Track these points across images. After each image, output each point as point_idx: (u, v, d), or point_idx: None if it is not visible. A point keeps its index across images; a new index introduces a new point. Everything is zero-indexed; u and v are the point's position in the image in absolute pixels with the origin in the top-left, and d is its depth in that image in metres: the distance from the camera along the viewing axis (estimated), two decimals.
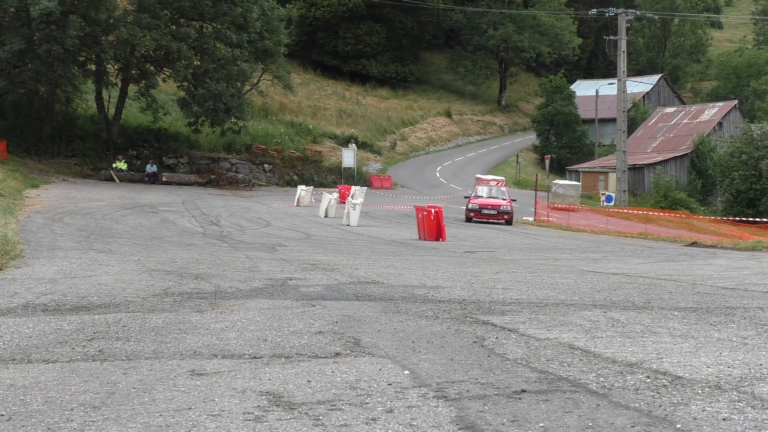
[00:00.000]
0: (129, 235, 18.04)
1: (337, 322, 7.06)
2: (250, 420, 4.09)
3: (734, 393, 4.64)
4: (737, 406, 4.35)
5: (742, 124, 52.15)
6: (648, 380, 4.95)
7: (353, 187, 35.45)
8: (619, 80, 44.95)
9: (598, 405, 4.38)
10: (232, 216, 26.27)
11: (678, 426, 4.01)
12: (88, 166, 39.42)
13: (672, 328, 6.92)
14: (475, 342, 6.19)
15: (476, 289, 9.71)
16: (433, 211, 21.87)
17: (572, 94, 69.00)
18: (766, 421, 4.08)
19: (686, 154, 56.50)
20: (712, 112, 61.43)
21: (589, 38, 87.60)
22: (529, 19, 77.50)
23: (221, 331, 6.52)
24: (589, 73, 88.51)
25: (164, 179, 40.09)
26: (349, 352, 5.80)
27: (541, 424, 4.02)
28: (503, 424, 4.03)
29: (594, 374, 5.10)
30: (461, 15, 78.09)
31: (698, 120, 60.81)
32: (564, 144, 66.41)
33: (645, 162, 55.99)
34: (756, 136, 41.83)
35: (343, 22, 71.27)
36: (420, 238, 21.89)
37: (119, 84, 40.99)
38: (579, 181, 52.48)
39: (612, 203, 43.49)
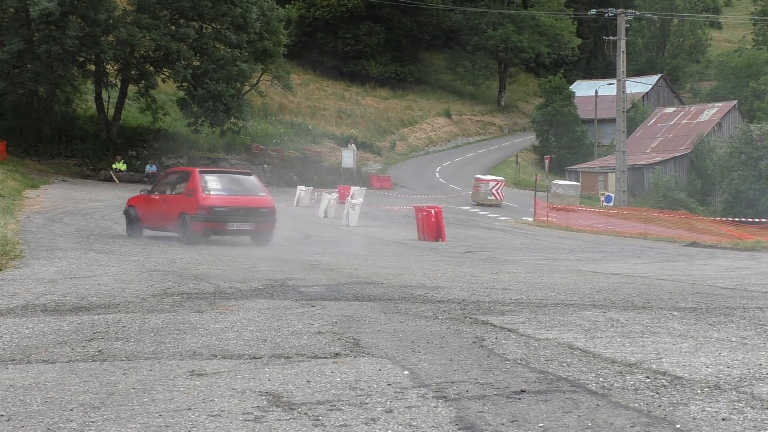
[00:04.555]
0: (128, 235, 18.03)
1: (336, 322, 7.06)
2: (249, 420, 4.09)
3: (733, 393, 4.64)
4: (736, 407, 4.36)
5: (741, 124, 52.18)
6: (647, 380, 4.95)
7: (353, 188, 35.44)
8: (618, 80, 44.97)
9: (598, 405, 4.38)
10: None
11: (677, 426, 4.01)
12: (88, 167, 39.42)
13: (671, 329, 6.92)
14: (474, 342, 6.19)
15: (476, 289, 9.71)
16: (432, 211, 21.89)
17: (572, 95, 68.95)
18: (765, 421, 4.09)
19: (685, 154, 56.48)
20: (711, 112, 61.41)
21: (589, 38, 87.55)
22: (529, 20, 77.47)
23: (221, 332, 6.52)
24: (589, 74, 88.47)
25: None
26: (348, 352, 5.80)
27: (540, 425, 4.02)
28: (503, 424, 4.03)
29: (593, 374, 5.11)
30: (460, 15, 78.06)
31: (697, 120, 60.79)
32: (563, 144, 66.38)
33: (644, 162, 55.98)
34: (755, 136, 41.90)
35: (342, 23, 71.23)
36: (419, 238, 21.90)
37: (119, 84, 40.99)
38: (578, 182, 52.46)
39: (611, 203, 43.49)
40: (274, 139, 49.52)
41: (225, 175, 18.07)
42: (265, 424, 4.03)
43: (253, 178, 17.93)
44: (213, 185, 16.71)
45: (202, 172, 17.10)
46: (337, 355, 5.69)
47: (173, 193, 17.25)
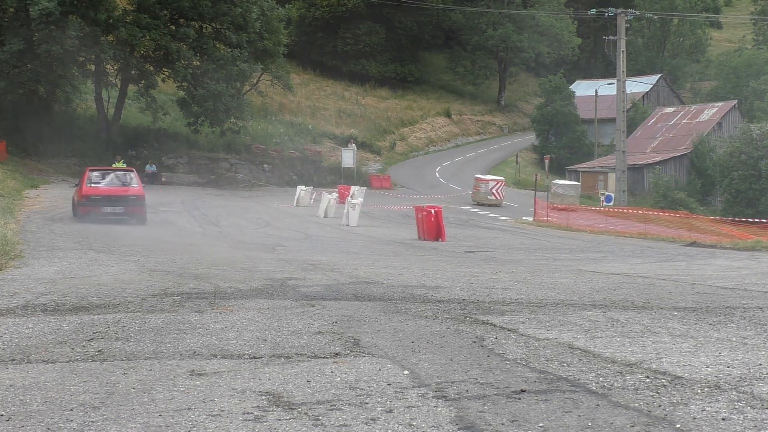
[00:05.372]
0: (128, 235, 18.03)
1: (336, 322, 7.06)
2: (249, 420, 4.09)
3: (733, 393, 4.64)
4: (736, 406, 4.35)
5: (741, 124, 52.15)
6: (647, 380, 4.95)
7: (353, 187, 35.45)
8: (618, 80, 44.94)
9: (598, 405, 4.38)
10: (232, 216, 26.27)
11: (677, 426, 4.01)
12: (88, 167, 39.38)
13: (671, 328, 6.92)
14: (474, 342, 6.19)
15: (476, 289, 9.71)
16: (432, 211, 21.89)
17: (571, 94, 68.91)
18: (765, 421, 4.09)
19: (685, 154, 56.46)
20: (711, 112, 61.38)
21: (589, 38, 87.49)
22: (529, 19, 77.44)
23: (221, 332, 6.52)
24: (589, 73, 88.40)
25: (164, 179, 40.08)
26: (348, 352, 5.80)
27: (540, 424, 4.02)
28: (503, 424, 4.03)
29: (593, 374, 5.10)
30: (460, 15, 78.02)
31: (697, 120, 60.76)
32: (563, 144, 66.34)
33: (644, 162, 55.97)
34: (755, 136, 41.87)
35: (342, 22, 71.21)
36: (419, 238, 21.89)
37: (119, 84, 40.98)
38: (578, 181, 52.45)
39: (611, 203, 43.47)
40: (274, 139, 49.50)
41: (107, 172, 23.25)
42: (265, 424, 4.03)
43: (130, 174, 22.87)
44: (94, 179, 21.90)
45: (90, 170, 22.68)
46: (337, 354, 5.69)
47: (77, 186, 22.25)
